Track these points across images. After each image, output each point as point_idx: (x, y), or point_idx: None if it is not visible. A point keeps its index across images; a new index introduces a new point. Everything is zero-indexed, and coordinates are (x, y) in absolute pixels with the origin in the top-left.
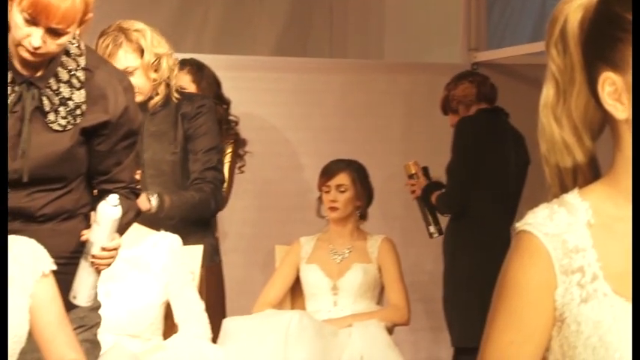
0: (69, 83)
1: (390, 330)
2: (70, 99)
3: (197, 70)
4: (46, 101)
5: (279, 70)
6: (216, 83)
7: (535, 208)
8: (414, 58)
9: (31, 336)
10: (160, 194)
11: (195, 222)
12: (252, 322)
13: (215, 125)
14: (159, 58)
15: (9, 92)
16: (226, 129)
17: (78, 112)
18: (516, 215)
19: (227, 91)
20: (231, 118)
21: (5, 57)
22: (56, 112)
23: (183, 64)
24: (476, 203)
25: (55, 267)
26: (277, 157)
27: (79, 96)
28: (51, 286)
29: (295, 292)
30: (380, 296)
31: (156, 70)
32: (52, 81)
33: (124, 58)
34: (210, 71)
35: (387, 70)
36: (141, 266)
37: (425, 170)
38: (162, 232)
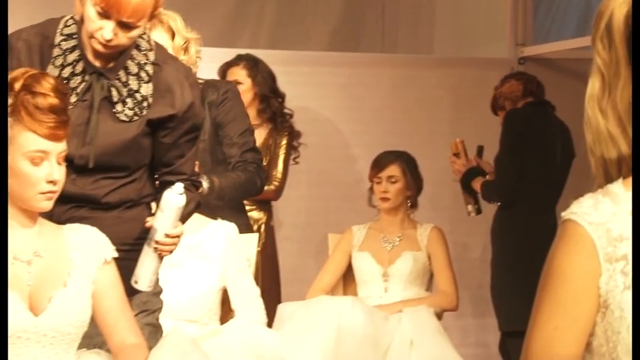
0: (137, 76)
1: (439, 315)
2: (137, 91)
3: (252, 64)
4: (114, 92)
5: (333, 64)
6: (271, 77)
7: (580, 197)
8: (462, 54)
9: (93, 320)
10: (209, 176)
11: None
12: (305, 307)
13: (243, 107)
14: (188, 42)
15: (79, 81)
16: (281, 122)
17: (144, 104)
18: (561, 205)
19: (282, 85)
20: (286, 111)
21: (5, 57)
22: (124, 103)
23: (239, 58)
24: (522, 192)
25: (116, 254)
26: (330, 148)
27: (147, 89)
28: (113, 273)
29: (347, 279)
30: (429, 283)
31: (185, 54)
32: (121, 73)
33: (157, 39)
34: (266, 66)
35: (437, 65)
36: (199, 254)
37: (479, 149)
38: (220, 221)
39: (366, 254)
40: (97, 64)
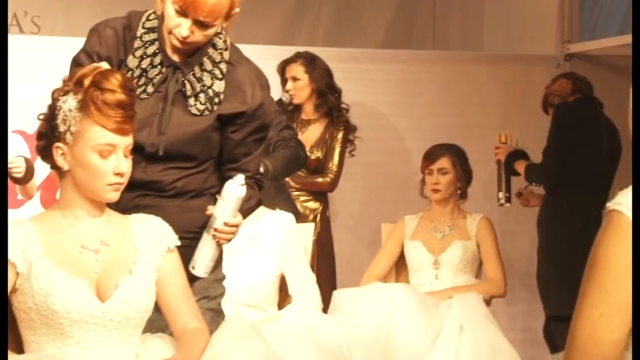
0: (212, 73)
1: (487, 302)
2: (210, 87)
3: (310, 61)
4: (188, 86)
5: (387, 61)
6: (327, 74)
7: (625, 189)
8: (511, 51)
9: (157, 306)
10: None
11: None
12: (360, 293)
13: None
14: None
15: (157, 73)
16: (337, 116)
17: (216, 100)
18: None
19: (339, 81)
20: (342, 106)
21: (5, 57)
22: (196, 97)
23: (297, 56)
24: (569, 183)
25: (179, 243)
26: (384, 142)
27: (219, 86)
28: (175, 260)
29: (400, 267)
30: (478, 270)
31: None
32: (196, 69)
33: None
34: (323, 63)
35: (486, 61)
36: (258, 242)
37: (523, 152)
38: (278, 211)
39: (418, 243)
40: (175, 58)
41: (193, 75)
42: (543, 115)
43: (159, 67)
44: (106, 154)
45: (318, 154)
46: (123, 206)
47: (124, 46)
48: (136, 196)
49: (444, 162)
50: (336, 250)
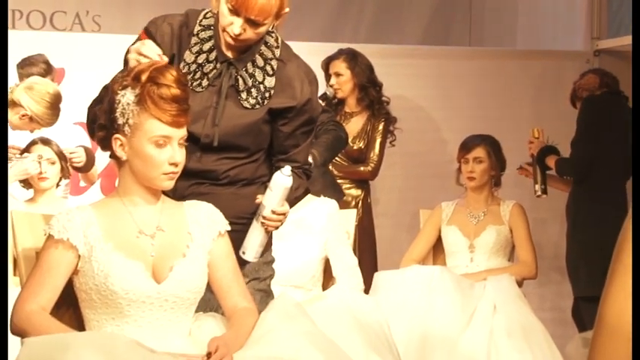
0: (263, 69)
1: (519, 283)
2: (262, 83)
3: (351, 57)
4: (240, 81)
5: (425, 57)
6: (369, 69)
7: None
8: (542, 46)
9: (209, 287)
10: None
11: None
12: (399, 275)
13: None
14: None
15: (211, 68)
16: (378, 108)
17: (267, 95)
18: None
19: (380, 75)
20: (383, 99)
21: (5, 59)
22: (248, 91)
23: (340, 52)
24: (595, 171)
25: (229, 228)
26: (422, 132)
27: (270, 82)
28: (226, 244)
29: (437, 250)
30: (511, 254)
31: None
32: (249, 65)
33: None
34: (364, 58)
35: (519, 57)
36: (304, 227)
37: (554, 148)
38: (322, 198)
39: (454, 228)
40: (229, 54)
41: (246, 71)
42: (572, 108)
43: (214, 62)
44: (162, 145)
45: (360, 144)
46: (179, 194)
47: (178, 41)
48: (191, 185)
49: (479, 151)
50: (377, 235)
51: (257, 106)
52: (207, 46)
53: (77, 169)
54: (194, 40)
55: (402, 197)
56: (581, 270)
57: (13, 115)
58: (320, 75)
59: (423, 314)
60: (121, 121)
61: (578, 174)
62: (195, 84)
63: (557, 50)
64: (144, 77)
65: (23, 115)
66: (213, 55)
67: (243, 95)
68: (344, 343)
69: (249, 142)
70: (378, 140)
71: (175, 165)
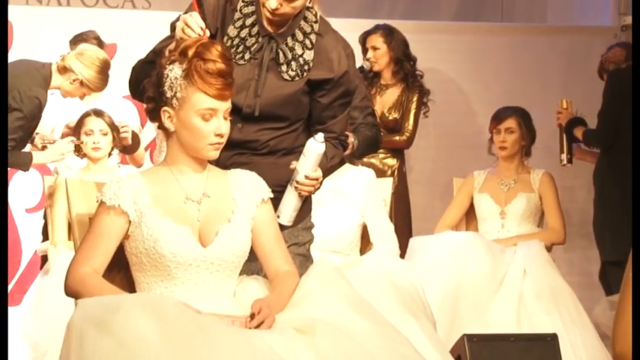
0: (302, 43)
1: (548, 248)
2: (301, 56)
3: (388, 32)
4: (281, 54)
5: (459, 32)
6: (404, 44)
7: None
8: (571, 22)
9: (252, 251)
10: (355, 135)
11: None
12: (433, 241)
13: (358, 74)
14: None
15: (253, 42)
16: (412, 81)
17: (306, 67)
18: None
19: (415, 50)
20: (417, 72)
21: (5, 58)
22: (288, 64)
23: (377, 27)
24: (621, 142)
25: (272, 195)
26: (455, 105)
27: (309, 55)
28: (269, 211)
29: (469, 217)
30: (540, 220)
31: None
32: (289, 39)
33: None
34: (400, 34)
35: (549, 32)
36: (342, 195)
37: (582, 119)
38: (360, 167)
39: (486, 195)
40: (270, 29)
41: (286, 44)
42: (599, 81)
43: (256, 36)
44: (208, 118)
45: (395, 115)
46: (222, 163)
47: (222, 16)
48: (233, 155)
49: (510, 122)
50: (411, 202)
51: (297, 78)
52: (249, 21)
53: (123, 151)
54: (237, 15)
55: (436, 166)
56: (607, 235)
57: (64, 82)
58: (357, 49)
59: (455, 277)
60: (169, 94)
61: (604, 144)
62: (237, 57)
63: (586, 26)
64: (190, 52)
65: (74, 80)
66: (255, 30)
67: (284, 68)
68: (380, 305)
69: (289, 113)
70: (413, 111)
71: (221, 136)
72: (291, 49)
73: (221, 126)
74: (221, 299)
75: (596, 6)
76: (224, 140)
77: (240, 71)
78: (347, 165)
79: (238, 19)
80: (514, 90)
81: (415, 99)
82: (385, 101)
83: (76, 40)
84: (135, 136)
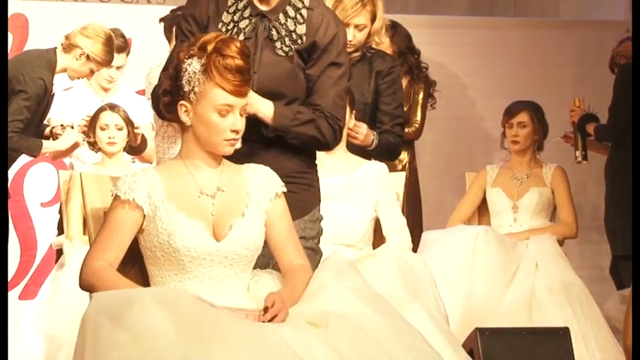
0: (294, 19)
1: (560, 242)
2: (294, 31)
3: (391, 26)
4: (274, 31)
5: (471, 27)
6: (407, 38)
7: None
8: (584, 16)
9: (266, 244)
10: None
11: None
12: (446, 235)
13: (401, 84)
14: (383, 25)
15: (247, 23)
16: (417, 73)
17: (299, 42)
18: None
19: (427, 44)
20: (422, 65)
21: (6, 57)
22: (282, 40)
23: None
24: (632, 136)
25: (285, 189)
26: (467, 99)
27: (301, 29)
28: (282, 204)
29: (482, 211)
30: (552, 214)
31: (377, 34)
32: (280, 15)
33: (362, 18)
34: (403, 28)
35: (561, 27)
36: (355, 189)
37: (594, 116)
38: (373, 162)
39: (498, 189)
40: (262, 7)
41: (278, 21)
42: (612, 75)
43: (249, 17)
44: (225, 113)
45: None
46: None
47: (215, 5)
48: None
49: (523, 116)
50: (424, 196)
51: (290, 53)
52: (242, 4)
53: (131, 151)
54: (230, 1)
55: (448, 161)
56: (618, 229)
57: (70, 60)
58: None
59: (468, 271)
60: (187, 88)
61: (615, 138)
62: None
63: (598, 20)
64: (210, 48)
65: (80, 55)
66: (247, 12)
67: (278, 44)
68: (393, 299)
69: (286, 88)
70: (420, 103)
71: (236, 132)
72: (284, 25)
73: (237, 122)
74: (234, 293)
75: (608, 0)
76: (239, 136)
77: None
78: (360, 159)
79: (232, 4)
80: (526, 84)
81: (421, 91)
82: None
83: None
84: (143, 137)
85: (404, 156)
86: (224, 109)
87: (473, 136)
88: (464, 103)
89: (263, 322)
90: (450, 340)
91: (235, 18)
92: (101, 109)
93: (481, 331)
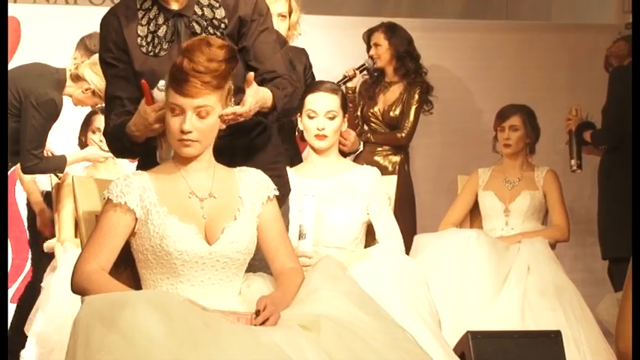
0: (209, 6)
1: (552, 246)
2: (214, 18)
3: (390, 29)
4: (195, 25)
5: (464, 30)
6: (407, 41)
7: None
8: (576, 20)
9: (258, 248)
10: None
11: None
12: (437, 238)
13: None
14: (299, 18)
15: (166, 29)
16: (414, 77)
17: (222, 26)
18: None
19: (420, 48)
20: (422, 70)
21: (6, 57)
22: (206, 32)
23: (381, 25)
24: (625, 139)
25: (277, 192)
26: (460, 102)
27: (220, 13)
28: (274, 208)
29: (474, 214)
30: (544, 218)
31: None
32: (196, 8)
33: (282, 5)
34: (404, 31)
35: (554, 30)
36: (347, 192)
37: (591, 123)
38: (365, 166)
39: (490, 193)
40: (174, 7)
41: (195, 14)
42: (605, 78)
43: (165, 23)
44: (178, 113)
45: (396, 111)
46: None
47: (130, 23)
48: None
49: (514, 120)
50: (416, 200)
51: None
52: (153, 13)
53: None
54: (140, 14)
55: (440, 164)
56: (610, 232)
57: (76, 90)
58: (362, 47)
59: (460, 275)
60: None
61: (611, 142)
62: (156, 51)
63: (590, 23)
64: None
65: (87, 89)
66: (161, 18)
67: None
68: (384, 302)
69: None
70: (414, 107)
71: (184, 132)
72: (203, 16)
73: (186, 123)
74: (226, 296)
75: (600, 4)
76: (193, 137)
77: (166, 62)
78: (352, 163)
79: (142, 16)
80: (519, 87)
81: (416, 95)
82: (387, 98)
83: (91, 37)
84: None
85: (396, 158)
86: (176, 108)
87: (465, 140)
88: (456, 107)
89: (255, 325)
90: (441, 343)
91: (151, 28)
92: (93, 113)
93: (473, 335)
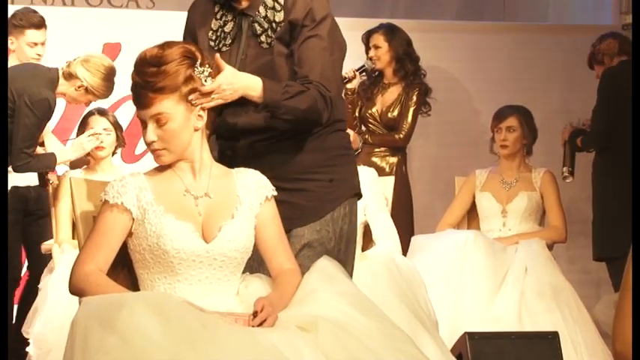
0: (273, 8)
1: (549, 246)
2: (274, 21)
3: (389, 31)
4: (257, 26)
5: (460, 31)
6: (406, 42)
7: None
8: (573, 21)
9: (256, 248)
10: None
11: None
12: (435, 239)
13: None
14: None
15: (231, 27)
16: (413, 79)
17: (278, 29)
18: None
19: (418, 49)
20: (421, 72)
21: (5, 57)
22: (265, 33)
23: (380, 26)
24: (617, 140)
25: (275, 193)
26: (457, 103)
27: (280, 16)
28: (272, 208)
29: (471, 215)
30: (542, 219)
31: None
32: (260, 9)
33: None
34: (403, 33)
35: (550, 31)
36: None
37: (585, 130)
38: (361, 167)
39: (488, 194)
40: (239, 6)
41: (259, 15)
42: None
43: (232, 20)
44: (143, 127)
45: (394, 113)
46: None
47: (201, 14)
48: (252, 142)
49: (511, 121)
50: (413, 201)
51: (273, 43)
52: (225, 9)
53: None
54: (217, 8)
55: (438, 165)
56: (604, 233)
57: (69, 88)
58: (361, 48)
59: (457, 276)
60: None
61: (596, 145)
62: (220, 45)
63: (587, 25)
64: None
65: (79, 87)
66: (230, 15)
67: (262, 38)
68: (382, 303)
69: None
70: (412, 109)
71: (147, 144)
72: (265, 18)
73: (147, 134)
74: (224, 296)
75: (597, 5)
76: (160, 147)
77: (226, 57)
78: None
79: (218, 10)
80: (516, 89)
81: (415, 97)
82: (386, 99)
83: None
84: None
85: (393, 159)
86: (141, 121)
87: (462, 141)
88: (453, 108)
89: (252, 326)
90: (439, 344)
91: (222, 23)
92: (90, 114)
93: (470, 336)
